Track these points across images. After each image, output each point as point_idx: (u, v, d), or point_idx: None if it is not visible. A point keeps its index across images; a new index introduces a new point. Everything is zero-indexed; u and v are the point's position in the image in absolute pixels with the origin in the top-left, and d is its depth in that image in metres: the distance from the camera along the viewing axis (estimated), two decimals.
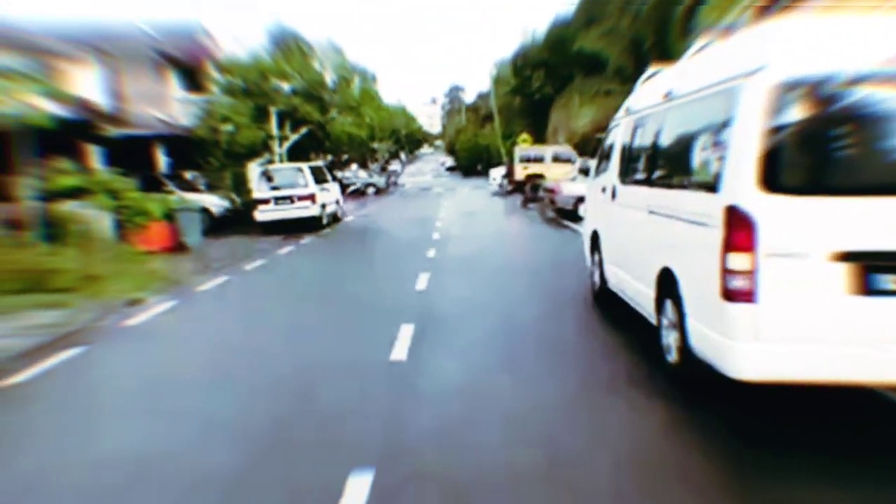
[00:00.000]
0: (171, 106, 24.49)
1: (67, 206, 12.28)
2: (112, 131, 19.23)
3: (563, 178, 18.69)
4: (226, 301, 9.22)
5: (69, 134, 15.84)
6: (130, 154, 19.51)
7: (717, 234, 3.67)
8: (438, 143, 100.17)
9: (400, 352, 5.65)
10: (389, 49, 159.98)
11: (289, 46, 23.87)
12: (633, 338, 5.69)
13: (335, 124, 24.36)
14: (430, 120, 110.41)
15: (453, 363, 5.40)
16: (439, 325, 6.75)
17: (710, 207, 3.80)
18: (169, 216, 14.00)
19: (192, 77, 25.50)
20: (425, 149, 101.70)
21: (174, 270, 10.93)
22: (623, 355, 5.45)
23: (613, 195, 6.40)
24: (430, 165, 79.90)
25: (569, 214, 16.42)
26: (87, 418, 4.62)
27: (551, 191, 18.79)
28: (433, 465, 3.53)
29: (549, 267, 10.46)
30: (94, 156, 17.75)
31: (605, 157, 7.03)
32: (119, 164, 16.11)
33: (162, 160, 21.99)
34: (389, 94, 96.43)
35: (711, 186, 3.87)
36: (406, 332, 6.21)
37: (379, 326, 6.69)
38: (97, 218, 12.60)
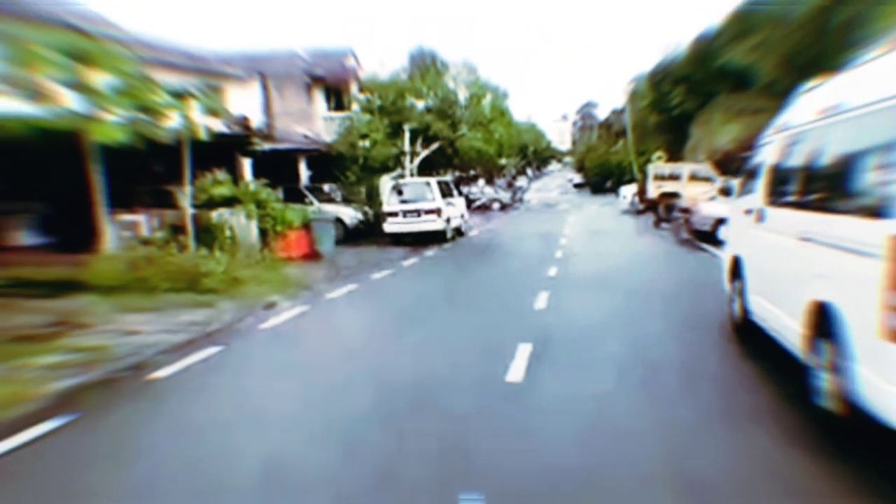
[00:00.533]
0: (316, 123, 26.33)
1: (220, 214, 13.49)
2: (262, 145, 20.97)
3: (701, 198, 17.52)
4: (352, 309, 9.60)
5: (226, 147, 17.49)
6: (276, 166, 21.14)
7: (880, 266, 3.17)
8: (567, 159, 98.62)
9: (516, 372, 5.49)
10: (524, 66, 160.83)
11: (425, 66, 24.75)
12: (777, 374, 5.09)
13: (464, 140, 24.78)
14: (560, 136, 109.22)
15: (572, 388, 5.14)
16: (559, 347, 6.51)
17: (874, 235, 3.29)
18: (306, 225, 14.92)
19: (337, 96, 27.29)
20: (553, 165, 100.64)
21: (307, 277, 11.60)
22: (765, 392, 4.88)
23: (760, 218, 5.81)
24: (558, 182, 78.84)
25: (705, 236, 15.33)
26: (219, 411, 4.96)
27: (687, 211, 17.69)
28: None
29: (681, 291, 9.77)
30: (246, 167, 19.44)
31: (751, 176, 6.42)
32: (266, 175, 17.47)
33: (304, 173, 23.61)
34: (520, 110, 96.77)
35: (876, 212, 3.36)
36: (524, 352, 6.04)
37: (496, 344, 6.58)
38: (244, 225, 13.72)
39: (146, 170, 15.18)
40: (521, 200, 46.02)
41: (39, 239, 14.59)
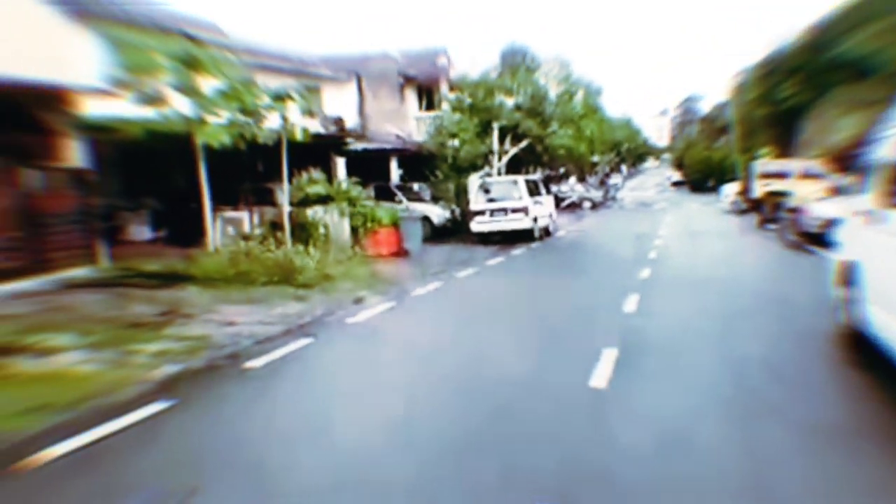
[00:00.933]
0: (408, 122, 26.86)
1: (314, 211, 14.05)
2: (355, 145, 21.64)
3: (812, 197, 16.24)
4: (437, 306, 9.68)
5: (321, 147, 18.20)
6: (369, 165, 21.76)
7: None
8: (665, 156, 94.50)
9: (600, 378, 5.31)
10: (623, 59, 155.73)
11: (516, 63, 24.55)
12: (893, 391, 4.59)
13: (554, 138, 24.35)
14: (659, 132, 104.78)
15: (662, 399, 4.88)
16: (648, 354, 6.22)
17: None
18: (395, 223, 15.23)
19: (428, 96, 27.73)
20: (650, 162, 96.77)
21: (395, 274, 11.84)
22: (873, 405, 4.43)
23: (883, 220, 5.27)
24: (655, 180, 75.81)
25: (816, 239, 14.18)
26: (307, 400, 5.15)
27: (795, 211, 16.43)
28: None
29: (787, 298, 9.05)
30: (340, 166, 20.14)
31: (870, 174, 5.85)
32: (358, 174, 18.03)
33: (395, 172, 24.13)
34: (616, 105, 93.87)
35: None
36: (609, 357, 5.82)
37: (580, 347, 6.41)
38: (337, 222, 14.22)
39: (250, 169, 16.06)
40: (614, 199, 44.69)
41: (153, 234, 15.83)
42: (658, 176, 79.93)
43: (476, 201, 18.52)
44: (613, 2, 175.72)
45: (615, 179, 58.32)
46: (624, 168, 73.98)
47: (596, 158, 43.20)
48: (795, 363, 5.73)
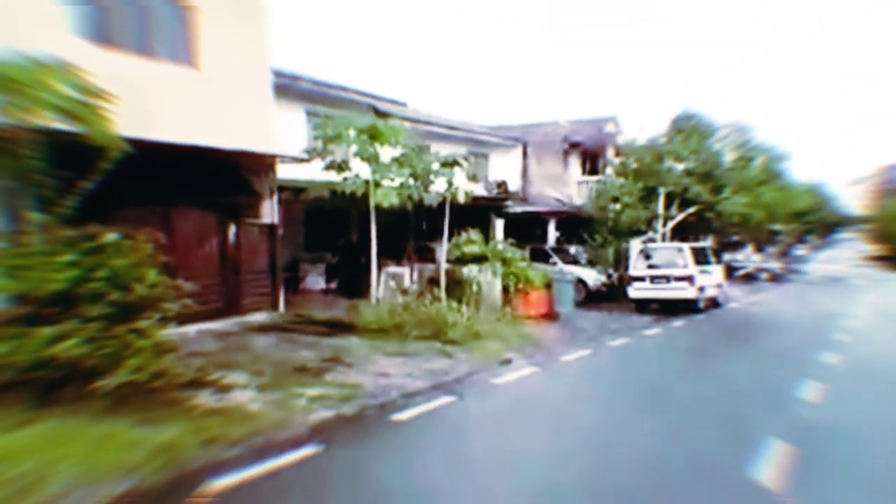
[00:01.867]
0: (570, 187, 26.96)
1: (469, 269, 14.46)
2: (515, 208, 22.10)
3: None
4: (583, 376, 9.35)
5: (483, 208, 18.86)
6: (527, 227, 22.05)
7: None
8: (862, 227, 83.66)
9: (770, 477, 4.72)
10: (819, 124, 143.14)
11: (689, 129, 23.71)
12: None
13: (726, 204, 22.83)
14: (854, 202, 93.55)
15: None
16: (832, 452, 5.44)
17: None
18: (548, 285, 15.13)
19: (592, 161, 27.74)
20: (844, 234, 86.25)
21: (544, 337, 11.69)
22: None
23: None
24: (848, 253, 67.28)
25: None
26: (445, 459, 5.23)
27: None
28: None
29: None
30: (498, 227, 20.63)
31: None
32: (517, 234, 18.32)
33: (552, 234, 24.14)
34: (805, 172, 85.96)
35: None
36: (784, 453, 5.18)
37: (745, 438, 5.79)
38: (490, 281, 14.48)
39: (415, 227, 17.09)
40: (798, 271, 40.30)
41: (325, 284, 17.34)
42: (852, 249, 70.92)
43: (636, 267, 17.80)
44: (812, 69, 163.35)
45: (800, 250, 52.68)
46: (812, 239, 66.67)
47: (776, 227, 39.52)
48: None
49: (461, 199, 13.22)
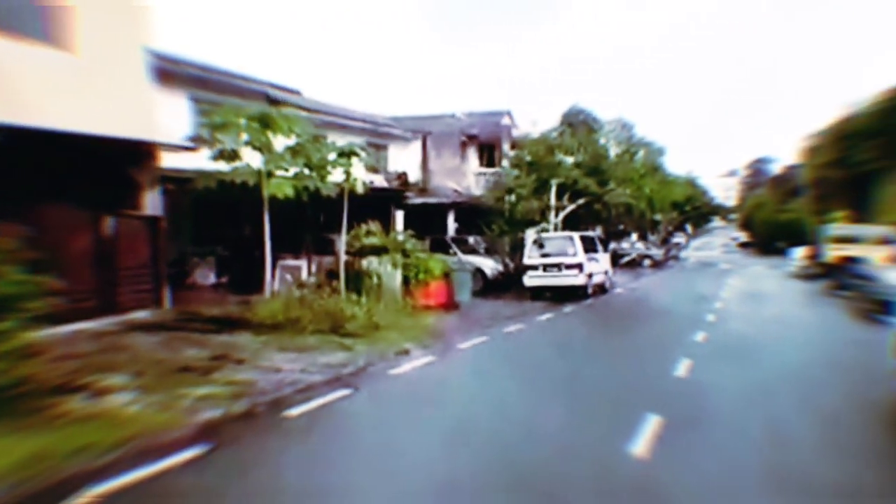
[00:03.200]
0: (468, 178, 27.46)
1: (369, 261, 14.39)
2: (414, 199, 22.20)
3: (886, 265, 15.34)
4: (479, 362, 9.62)
5: (382, 200, 18.78)
6: (427, 218, 22.21)
7: None
8: (733, 216, 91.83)
9: (643, 447, 5.10)
10: (692, 120, 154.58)
11: (577, 124, 24.89)
12: None
13: (613, 195, 24.25)
14: (726, 192, 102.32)
15: (711, 477, 4.65)
16: (697, 424, 5.96)
17: None
18: (447, 275, 15.37)
19: (489, 153, 28.40)
20: (717, 222, 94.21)
21: (442, 326, 11.88)
22: None
23: None
24: (720, 240, 73.67)
25: (888, 308, 13.31)
26: (340, 452, 5.20)
27: (867, 278, 15.56)
28: None
29: (848, 368, 8.54)
30: (398, 219, 20.66)
31: None
32: (416, 226, 18.42)
33: (451, 225, 24.52)
34: (682, 165, 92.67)
35: None
36: (654, 425, 5.61)
37: (624, 412, 6.21)
38: (390, 273, 14.48)
39: (312, 219, 16.69)
40: (676, 258, 43.57)
41: (216, 279, 16.57)
42: (724, 236, 77.61)
43: (530, 256, 18.49)
44: (686, 62, 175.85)
45: (678, 238, 56.95)
46: (688, 227, 72.21)
47: (657, 217, 42.47)
48: (847, 433, 5.40)
49: (360, 189, 13.11)
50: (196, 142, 12.33)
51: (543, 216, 23.20)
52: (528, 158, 23.36)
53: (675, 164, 70.22)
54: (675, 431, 5.54)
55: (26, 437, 4.87)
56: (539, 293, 17.64)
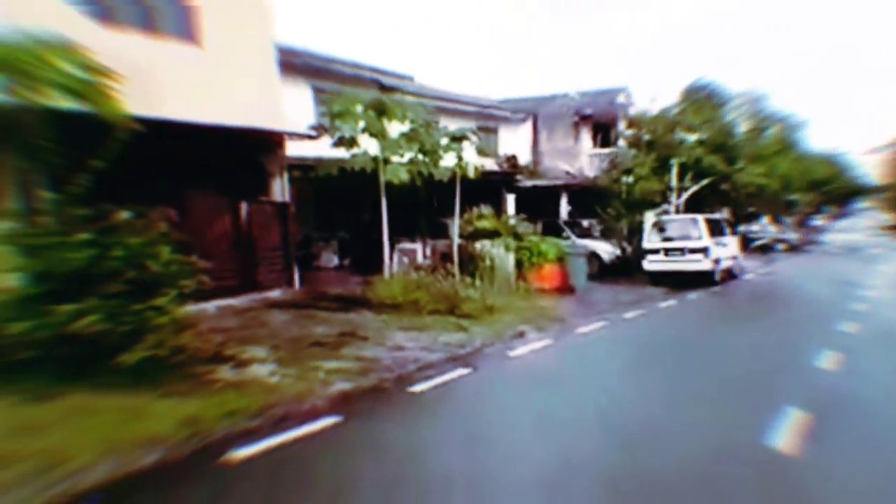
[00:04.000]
0: (581, 160, 26.72)
1: (482, 245, 14.44)
2: (526, 182, 21.96)
3: None
4: (599, 346, 9.36)
5: (493, 183, 18.75)
6: (538, 201, 21.91)
7: None
8: (883, 195, 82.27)
9: (788, 445, 4.71)
10: (839, 90, 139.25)
11: (701, 98, 23.33)
12: None
13: (741, 175, 22.52)
14: (875, 170, 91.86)
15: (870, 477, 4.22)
16: (852, 421, 5.41)
17: None
18: (561, 259, 15.08)
19: (604, 133, 27.44)
20: (863, 203, 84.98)
21: (558, 310, 11.68)
22: None
23: None
24: (866, 222, 66.45)
25: None
26: (463, 427, 5.27)
27: None
28: None
29: None
30: (509, 202, 20.55)
31: None
32: (528, 209, 18.23)
33: (564, 208, 24.00)
34: (824, 140, 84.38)
35: None
36: (799, 421, 5.17)
37: (758, 408, 5.77)
38: (503, 256, 14.45)
39: (426, 204, 17.04)
40: (815, 242, 39.91)
41: (338, 261, 17.41)
42: (871, 218, 69.99)
43: (650, 239, 17.67)
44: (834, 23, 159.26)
45: (818, 220, 52.08)
46: (829, 208, 65.78)
47: (793, 197, 39.03)
48: None
49: (471, 174, 13.14)
50: (317, 130, 12.91)
51: (664, 197, 22.05)
52: (647, 137, 22.24)
53: (818, 140, 64.07)
54: (825, 428, 5.07)
55: (183, 400, 5.38)
56: (660, 279, 16.83)
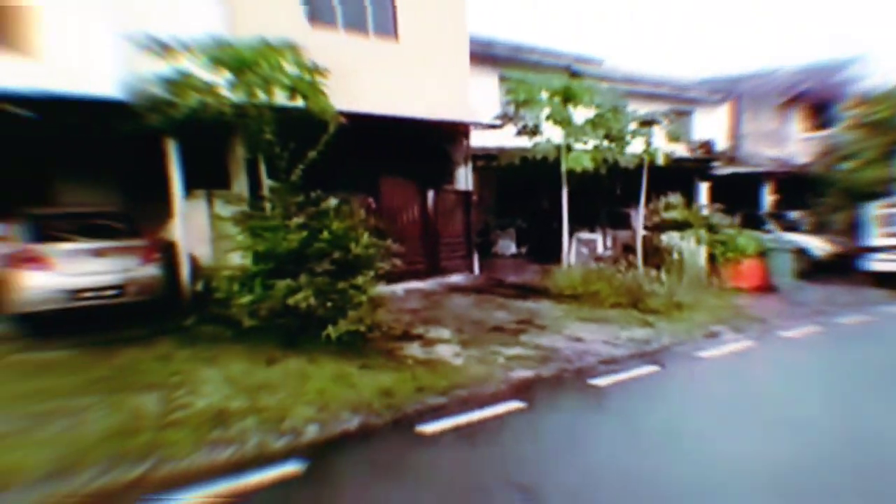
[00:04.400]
0: (789, 144, 23.87)
1: (668, 237, 13.57)
2: (721, 169, 20.18)
3: None
4: (811, 355, 8.30)
5: (684, 171, 17.52)
6: (736, 190, 20.03)
7: None
8: None
9: None
10: None
11: None
12: None
13: None
14: None
15: None
16: None
17: None
18: (762, 254, 13.63)
19: (819, 114, 24.21)
20: None
21: (757, 310, 10.59)
22: None
23: None
24: None
25: None
26: (653, 428, 5.02)
27: None
28: None
29: None
30: (702, 191, 19.04)
31: None
32: (723, 199, 16.75)
33: (767, 198, 21.65)
34: None
35: None
36: None
37: None
38: (693, 250, 13.45)
39: (608, 192, 16.49)
40: None
41: (516, 249, 17.55)
42: None
43: (876, 234, 15.24)
44: None
45: None
46: None
47: None
48: None
49: (660, 160, 12.41)
50: (502, 120, 13.08)
51: (889, 188, 18.86)
52: (877, 116, 19.14)
53: None
54: None
55: (379, 373, 5.82)
56: (888, 280, 14.45)
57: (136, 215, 9.53)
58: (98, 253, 7.92)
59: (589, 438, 4.80)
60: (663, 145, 12.96)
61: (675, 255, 13.05)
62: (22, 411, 4.93)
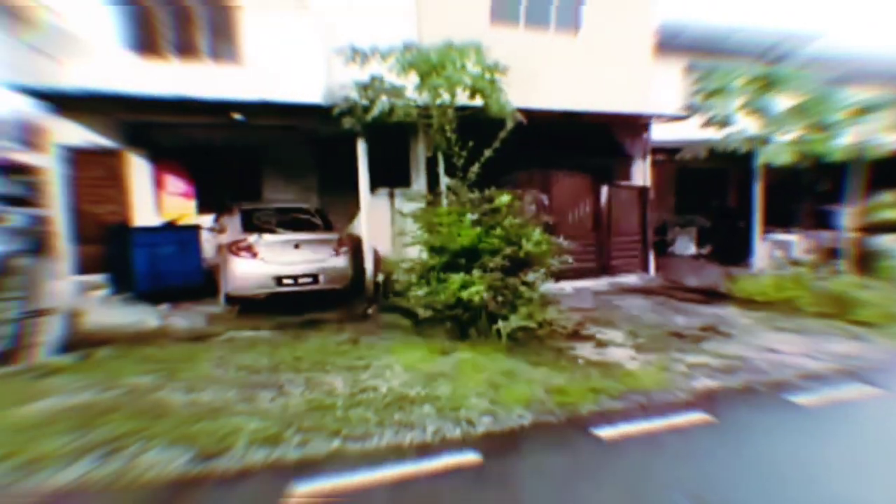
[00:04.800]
0: None
1: (881, 240, 11.77)
2: None
3: None
4: None
5: None
6: None
7: None
8: None
9: None
10: None
11: None
12: None
13: None
14: None
15: None
16: None
17: None
18: None
19: None
20: None
21: None
22: None
23: None
24: None
25: None
26: (870, 459, 4.38)
27: None
28: None
29: None
30: None
31: None
32: None
33: None
34: None
35: None
36: None
37: None
38: None
39: (808, 189, 14.76)
40: None
41: (696, 250, 16.33)
42: None
43: None
44: None
45: None
46: None
47: None
48: None
49: (880, 153, 10.78)
50: (688, 111, 12.24)
51: None
52: None
53: None
54: None
55: (550, 371, 5.76)
56: None
57: (326, 210, 10.47)
58: (298, 244, 8.81)
59: (789, 463, 4.29)
60: (883, 136, 11.23)
61: (893, 262, 11.27)
62: (237, 383, 5.64)
